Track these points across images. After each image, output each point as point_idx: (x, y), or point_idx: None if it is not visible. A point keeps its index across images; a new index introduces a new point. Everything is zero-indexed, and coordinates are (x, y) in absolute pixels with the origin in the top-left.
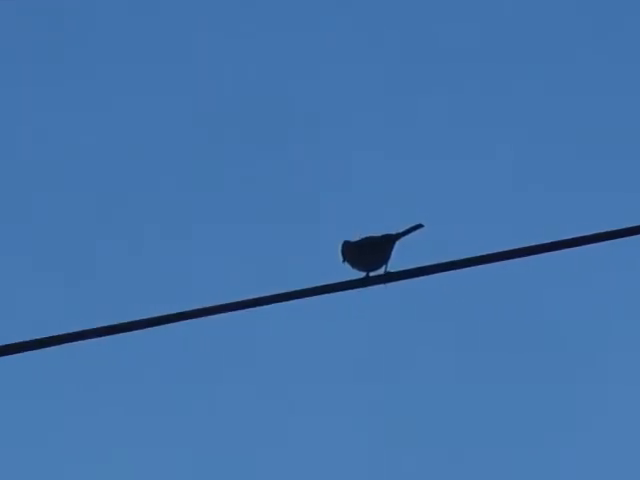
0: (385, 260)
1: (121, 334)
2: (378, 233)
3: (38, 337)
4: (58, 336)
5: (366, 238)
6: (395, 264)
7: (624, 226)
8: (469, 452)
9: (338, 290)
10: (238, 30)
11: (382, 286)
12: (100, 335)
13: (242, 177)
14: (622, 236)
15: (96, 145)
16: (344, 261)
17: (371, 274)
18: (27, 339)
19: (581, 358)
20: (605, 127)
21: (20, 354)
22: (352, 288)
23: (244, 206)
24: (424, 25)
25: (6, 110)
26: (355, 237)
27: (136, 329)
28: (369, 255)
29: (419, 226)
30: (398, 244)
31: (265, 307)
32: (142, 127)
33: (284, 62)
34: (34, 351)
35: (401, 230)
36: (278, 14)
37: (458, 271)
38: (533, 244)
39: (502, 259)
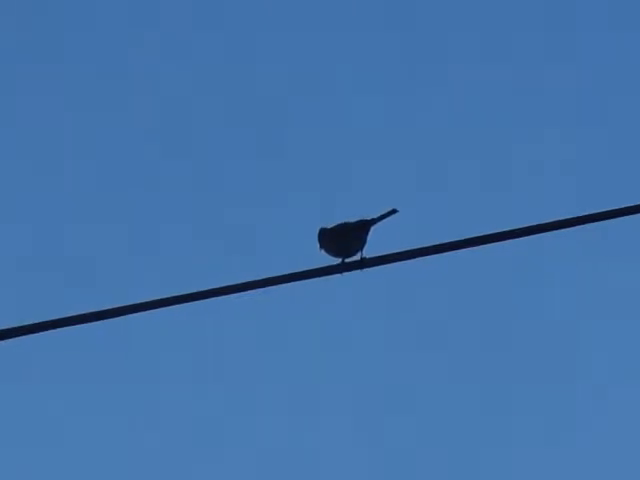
0: (361, 246)
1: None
2: (353, 219)
3: None
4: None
5: (341, 224)
6: (370, 250)
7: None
8: (449, 448)
9: (314, 276)
10: (237, 32)
11: (358, 272)
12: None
13: (223, 168)
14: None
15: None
16: (321, 248)
17: (347, 260)
18: None
19: (567, 355)
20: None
21: None
22: (328, 274)
23: (223, 193)
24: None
25: (5, 110)
26: (330, 224)
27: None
28: (345, 241)
29: (394, 211)
30: (373, 229)
31: (240, 294)
32: (131, 125)
33: (282, 63)
34: None
35: (376, 216)
36: (278, 14)
37: (435, 256)
38: (514, 228)
39: (478, 244)
